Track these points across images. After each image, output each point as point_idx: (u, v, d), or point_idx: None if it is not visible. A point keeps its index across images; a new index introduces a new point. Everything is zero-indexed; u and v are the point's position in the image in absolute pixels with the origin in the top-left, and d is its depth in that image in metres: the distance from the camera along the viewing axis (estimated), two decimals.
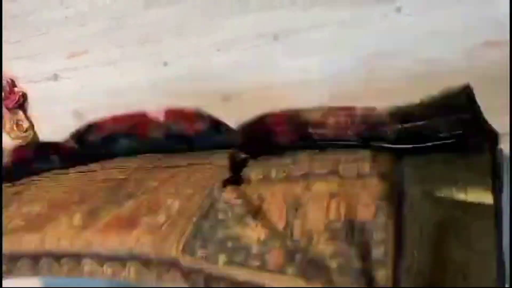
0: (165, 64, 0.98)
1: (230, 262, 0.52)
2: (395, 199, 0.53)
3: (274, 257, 0.50)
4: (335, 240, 0.49)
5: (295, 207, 0.56)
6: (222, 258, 0.53)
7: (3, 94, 1.10)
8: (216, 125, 0.75)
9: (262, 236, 0.52)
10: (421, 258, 0.48)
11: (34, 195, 0.80)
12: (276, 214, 0.55)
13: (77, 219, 0.67)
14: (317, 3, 0.86)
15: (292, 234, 0.52)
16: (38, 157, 0.88)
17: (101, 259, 0.61)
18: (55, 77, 1.09)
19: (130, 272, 0.59)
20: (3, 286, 0.67)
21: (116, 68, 1.03)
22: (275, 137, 0.70)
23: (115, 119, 0.82)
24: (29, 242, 0.67)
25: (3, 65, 1.11)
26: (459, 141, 0.59)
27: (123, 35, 1.01)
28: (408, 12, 0.81)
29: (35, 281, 1.11)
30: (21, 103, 1.11)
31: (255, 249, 0.52)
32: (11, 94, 1.09)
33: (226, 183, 0.63)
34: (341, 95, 0.86)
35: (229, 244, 0.54)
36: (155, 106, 0.99)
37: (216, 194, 0.61)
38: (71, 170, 0.86)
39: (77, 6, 1.04)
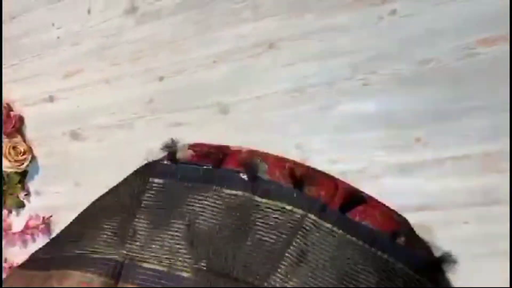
0: (161, 79, 0.98)
1: None
2: None
3: None
4: None
5: None
6: None
7: None
8: None
9: None
10: None
11: None
12: None
13: None
14: (311, 10, 0.85)
15: None
16: None
17: None
18: (51, 98, 1.08)
19: None
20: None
21: (112, 86, 1.02)
22: None
23: None
24: None
25: None
26: None
27: (117, 52, 1.00)
28: (404, 14, 0.80)
29: None
30: (18, 127, 1.10)
31: None
32: (7, 118, 1.08)
33: None
34: (338, 100, 0.86)
35: None
36: (153, 122, 0.99)
37: None
38: None
39: (69, 26, 1.04)
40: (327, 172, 0.87)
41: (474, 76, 0.78)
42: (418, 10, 0.79)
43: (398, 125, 0.83)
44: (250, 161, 0.85)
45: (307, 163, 0.88)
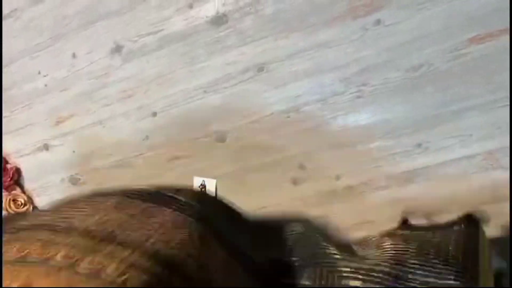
0: (154, 114, 0.97)
1: None
2: None
3: None
4: None
5: None
6: None
7: None
8: None
9: None
10: None
11: None
12: None
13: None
14: (296, 29, 0.85)
15: None
16: None
17: None
18: (46, 146, 1.07)
19: None
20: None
21: (106, 127, 1.01)
22: None
23: None
24: None
25: None
26: None
27: (107, 93, 0.99)
28: (389, 23, 0.80)
29: None
30: (16, 179, 1.09)
31: None
32: (4, 171, 1.07)
33: None
34: (334, 116, 0.85)
35: None
36: (151, 158, 0.98)
37: None
38: None
39: (55, 73, 1.03)
40: (333, 189, 0.87)
41: (467, 75, 0.78)
42: (402, 18, 0.79)
43: (397, 134, 0.82)
44: None
45: (312, 182, 0.88)
